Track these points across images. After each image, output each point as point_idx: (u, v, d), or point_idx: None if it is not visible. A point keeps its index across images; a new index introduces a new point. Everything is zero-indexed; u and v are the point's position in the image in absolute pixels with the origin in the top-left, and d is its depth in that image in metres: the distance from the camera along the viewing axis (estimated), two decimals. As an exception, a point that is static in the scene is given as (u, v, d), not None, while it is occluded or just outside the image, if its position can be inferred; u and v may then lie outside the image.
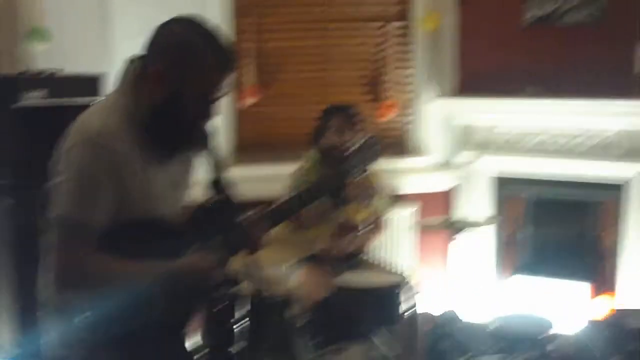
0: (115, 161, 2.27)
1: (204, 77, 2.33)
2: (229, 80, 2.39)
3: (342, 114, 4.65)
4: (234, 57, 2.40)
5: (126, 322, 2.29)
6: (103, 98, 2.48)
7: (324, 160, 4.59)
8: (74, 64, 4.43)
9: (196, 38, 2.32)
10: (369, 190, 4.73)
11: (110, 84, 4.42)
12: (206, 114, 2.40)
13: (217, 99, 2.39)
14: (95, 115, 2.35)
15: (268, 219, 2.63)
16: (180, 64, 2.31)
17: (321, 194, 2.91)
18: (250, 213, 2.57)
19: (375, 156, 2.94)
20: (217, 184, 2.36)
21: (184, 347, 2.64)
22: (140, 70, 2.38)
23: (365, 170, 2.95)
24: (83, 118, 2.36)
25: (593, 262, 5.42)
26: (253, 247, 2.54)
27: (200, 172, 2.51)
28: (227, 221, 2.38)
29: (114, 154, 2.27)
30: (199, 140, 2.41)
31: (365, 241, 4.74)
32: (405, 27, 5.78)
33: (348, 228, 4.67)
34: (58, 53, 4.62)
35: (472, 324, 5.11)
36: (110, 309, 2.27)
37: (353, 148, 2.96)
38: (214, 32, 2.37)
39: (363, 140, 2.97)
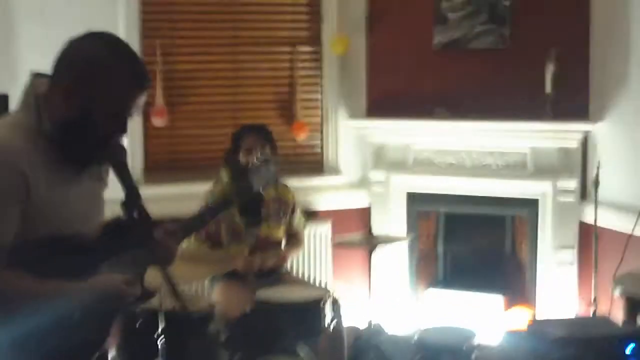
0: (17, 178, 2.16)
1: (116, 95, 2.25)
2: (142, 98, 2.31)
3: (252, 135, 4.68)
4: (147, 75, 2.33)
5: (44, 340, 2.20)
6: (4, 116, 2.37)
7: (236, 180, 4.58)
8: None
9: (108, 54, 2.24)
10: (284, 207, 4.77)
11: (15, 102, 4.34)
12: (118, 130, 2.32)
13: (130, 115, 2.31)
14: None
15: (178, 233, 2.60)
16: (89, 81, 2.22)
17: (223, 208, 3.01)
18: (160, 227, 2.52)
19: (270, 177, 3.08)
20: (129, 199, 2.29)
21: None
22: (48, 87, 2.29)
23: (263, 188, 3.08)
24: None
25: (506, 275, 5.52)
26: (165, 260, 2.47)
27: (113, 188, 2.44)
28: (139, 236, 2.31)
29: (15, 171, 2.16)
30: (110, 155, 2.33)
31: (286, 256, 4.75)
32: (315, 52, 5.83)
33: (268, 244, 4.68)
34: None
35: (397, 336, 5.13)
36: (27, 326, 2.18)
37: (252, 166, 3.12)
38: (127, 48, 2.31)
39: (262, 160, 3.17)
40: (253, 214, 4.67)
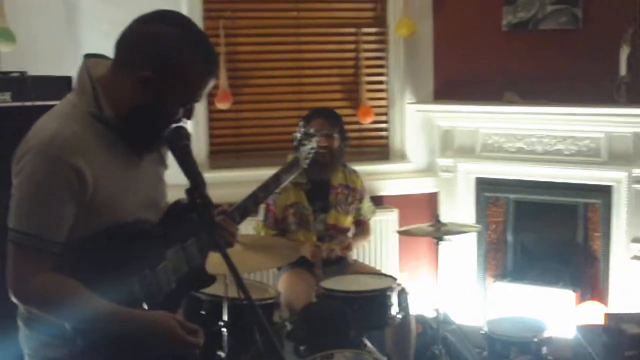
0: (71, 173, 2.11)
1: (192, 83, 2.22)
2: (211, 84, 2.28)
3: (319, 119, 4.59)
4: (217, 60, 2.30)
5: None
6: (61, 101, 2.30)
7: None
8: (39, 66, 4.29)
9: (186, 43, 2.18)
10: (352, 194, 4.71)
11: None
12: (185, 117, 2.29)
13: (198, 101, 2.29)
14: (51, 121, 2.19)
15: (235, 215, 2.64)
16: (170, 71, 2.17)
17: (273, 187, 3.11)
18: (219, 210, 2.53)
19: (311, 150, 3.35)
20: (194, 185, 2.20)
21: None
22: (112, 70, 2.23)
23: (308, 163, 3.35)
24: (38, 124, 2.20)
25: (577, 267, 5.35)
26: (227, 244, 2.44)
27: (175, 172, 2.36)
28: (203, 221, 2.22)
29: (69, 167, 2.10)
30: (173, 140, 2.26)
31: (352, 245, 4.68)
32: (380, 34, 5.70)
33: (336, 231, 4.62)
34: (22, 55, 4.49)
35: (465, 326, 5.02)
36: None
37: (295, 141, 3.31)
38: (201, 33, 2.26)
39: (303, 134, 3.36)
40: (321, 199, 4.62)
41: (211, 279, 2.56)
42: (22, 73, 4.04)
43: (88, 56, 2.29)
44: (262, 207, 4.59)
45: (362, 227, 4.89)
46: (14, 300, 2.15)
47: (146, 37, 2.19)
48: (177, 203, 2.44)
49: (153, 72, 2.16)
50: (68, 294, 2.11)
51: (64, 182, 2.10)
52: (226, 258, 2.16)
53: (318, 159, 4.41)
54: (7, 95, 3.90)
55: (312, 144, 3.37)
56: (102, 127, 2.21)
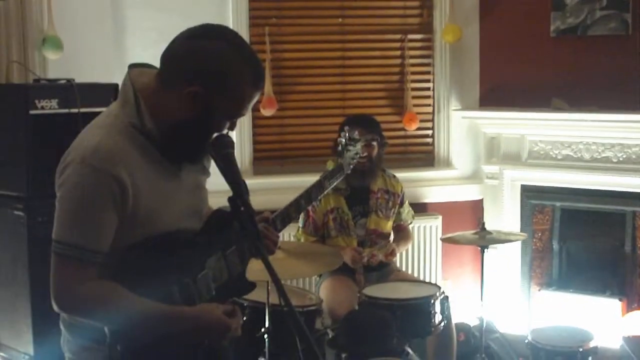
0: (114, 185, 2.12)
1: (240, 99, 2.23)
2: (256, 98, 2.29)
3: (357, 126, 4.54)
4: (263, 75, 2.30)
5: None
6: (104, 112, 2.32)
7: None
8: (86, 74, 4.34)
9: (236, 61, 2.19)
10: (393, 199, 4.70)
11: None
12: (230, 129, 2.31)
13: (244, 115, 2.31)
14: (94, 133, 2.19)
15: (277, 222, 2.62)
16: (220, 87, 2.18)
17: (317, 194, 3.06)
18: (260, 217, 2.53)
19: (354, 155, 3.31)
20: (236, 193, 2.21)
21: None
22: (157, 83, 2.23)
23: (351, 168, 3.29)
24: (81, 136, 2.22)
25: (625, 277, 5.26)
26: (268, 251, 2.41)
27: (219, 178, 2.37)
28: (246, 229, 2.21)
29: (113, 178, 2.11)
30: (216, 148, 2.26)
31: (395, 250, 4.66)
32: (426, 40, 5.69)
33: (377, 236, 4.61)
34: (70, 62, 4.55)
35: (509, 334, 4.98)
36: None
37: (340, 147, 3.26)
38: (249, 48, 2.26)
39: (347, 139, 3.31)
40: (361, 204, 4.63)
41: (251, 286, 2.56)
42: (69, 80, 4.10)
43: (132, 66, 2.30)
44: (302, 217, 4.61)
45: (402, 232, 4.88)
46: (58, 310, 2.17)
47: (194, 52, 2.19)
48: (219, 211, 2.45)
49: (202, 87, 2.17)
50: (115, 297, 2.12)
51: (107, 193, 2.11)
52: (267, 265, 2.16)
53: (358, 167, 4.43)
54: (54, 102, 3.96)
55: (356, 149, 3.35)
56: (142, 139, 2.21)
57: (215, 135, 2.27)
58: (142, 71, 2.29)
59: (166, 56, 2.23)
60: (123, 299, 2.12)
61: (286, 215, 2.72)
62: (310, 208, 4.55)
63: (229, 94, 2.19)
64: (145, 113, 2.21)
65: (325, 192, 3.19)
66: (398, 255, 4.86)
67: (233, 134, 2.35)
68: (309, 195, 2.97)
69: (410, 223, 4.95)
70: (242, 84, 2.20)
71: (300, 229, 4.61)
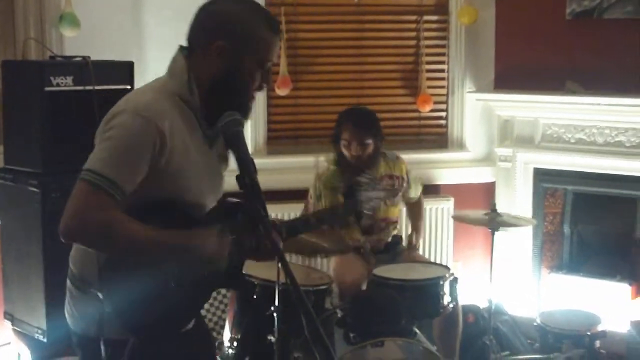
0: (156, 136, 2.26)
1: (262, 45, 2.40)
2: (278, 44, 2.47)
3: (352, 127, 4.54)
4: (277, 21, 2.51)
5: (141, 301, 2.27)
6: (151, 81, 2.49)
7: (340, 167, 4.54)
8: (103, 51, 4.37)
9: (249, 13, 2.42)
10: (398, 182, 4.68)
11: (142, 70, 4.41)
12: (264, 81, 2.47)
13: (271, 63, 2.46)
14: (145, 92, 2.40)
15: (283, 231, 2.60)
16: (240, 35, 2.38)
17: (330, 221, 3.07)
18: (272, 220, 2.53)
19: (377, 199, 3.01)
20: (243, 172, 2.23)
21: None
22: (191, 54, 2.42)
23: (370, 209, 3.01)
24: (132, 93, 2.44)
25: (635, 261, 5.26)
26: (266, 254, 2.41)
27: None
28: (249, 214, 2.29)
29: (156, 129, 2.26)
30: (225, 126, 2.30)
31: (419, 232, 4.74)
32: (442, 21, 5.68)
33: (386, 224, 4.62)
34: (86, 40, 4.57)
35: (518, 317, 5.01)
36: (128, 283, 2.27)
37: (358, 187, 2.97)
38: (260, 6, 2.54)
39: (368, 181, 3.00)
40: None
41: (242, 283, 2.62)
42: (85, 58, 4.12)
43: (182, 48, 2.45)
44: (303, 210, 4.64)
45: (415, 208, 4.88)
46: (64, 235, 2.20)
47: (214, 14, 2.42)
48: (227, 200, 2.51)
49: (225, 41, 2.37)
50: (132, 225, 2.22)
51: (149, 142, 2.26)
52: (274, 244, 2.20)
53: (351, 164, 4.44)
54: (69, 80, 3.99)
55: (377, 194, 3.04)
56: (187, 109, 2.38)
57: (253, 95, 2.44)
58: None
59: (191, 29, 2.45)
60: (133, 222, 2.22)
61: (293, 227, 2.72)
62: (310, 207, 4.57)
63: (250, 42, 2.39)
64: (194, 87, 2.39)
65: (336, 222, 3.10)
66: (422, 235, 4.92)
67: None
68: (322, 217, 2.97)
69: (419, 195, 4.90)
70: (260, 31, 2.40)
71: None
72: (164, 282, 2.31)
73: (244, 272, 2.55)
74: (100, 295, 2.28)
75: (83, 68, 4.06)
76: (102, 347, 2.37)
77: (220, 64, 2.38)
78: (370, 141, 4.51)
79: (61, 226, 2.18)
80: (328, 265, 4.69)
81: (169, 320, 2.38)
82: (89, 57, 4.14)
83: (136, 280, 2.27)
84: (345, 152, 4.52)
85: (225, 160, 2.57)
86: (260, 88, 2.46)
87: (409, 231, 4.95)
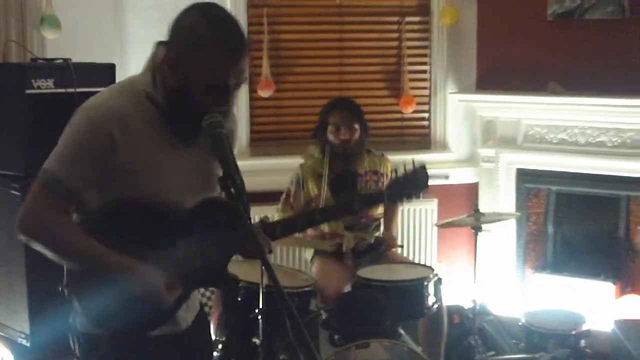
0: (103, 137, 2.25)
1: (210, 67, 2.25)
2: (240, 69, 2.29)
3: (340, 111, 4.58)
4: (242, 45, 2.29)
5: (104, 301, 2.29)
6: (125, 79, 2.48)
7: (327, 156, 4.53)
8: (85, 53, 4.34)
9: (204, 26, 2.26)
10: (381, 179, 4.66)
11: (124, 73, 4.38)
12: (217, 103, 2.30)
13: (231, 88, 2.30)
14: (106, 91, 2.41)
15: (277, 229, 2.58)
16: (187, 54, 2.26)
17: (340, 214, 2.99)
18: (258, 221, 2.53)
19: (418, 188, 2.90)
20: (226, 174, 2.21)
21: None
22: (162, 55, 2.35)
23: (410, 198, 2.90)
24: (99, 93, 2.40)
25: (618, 261, 5.27)
26: (254, 252, 2.36)
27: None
28: (232, 220, 2.28)
29: (103, 131, 2.26)
30: (208, 127, 2.27)
31: (395, 240, 4.67)
32: (424, 22, 5.69)
33: (367, 221, 4.61)
34: (68, 42, 4.55)
35: (502, 317, 5.01)
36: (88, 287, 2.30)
37: (396, 174, 2.90)
38: (226, 18, 2.31)
39: (409, 168, 2.90)
40: (347, 190, 4.56)
41: (229, 282, 2.59)
42: (66, 60, 4.08)
43: (160, 43, 2.40)
44: (282, 197, 4.63)
45: (390, 208, 4.81)
46: (19, 234, 2.29)
47: (175, 24, 2.33)
48: (213, 198, 2.49)
49: (175, 55, 2.29)
50: (68, 230, 2.29)
51: (97, 141, 2.26)
52: (258, 247, 2.19)
53: (339, 150, 4.44)
54: (50, 82, 3.95)
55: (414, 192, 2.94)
56: (153, 108, 2.34)
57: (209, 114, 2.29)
58: (162, 49, 2.39)
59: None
60: (74, 233, 2.28)
61: (291, 226, 2.67)
62: (290, 193, 4.57)
63: (197, 61, 2.25)
64: (159, 84, 2.35)
65: (343, 217, 2.99)
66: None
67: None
68: (328, 213, 2.89)
69: None
70: (212, 52, 2.24)
71: (278, 212, 4.62)
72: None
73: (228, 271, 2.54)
74: (67, 291, 2.34)
75: (64, 70, 4.02)
76: (71, 340, 2.42)
77: (172, 76, 2.30)
78: (357, 126, 4.54)
79: (17, 223, 2.27)
80: (311, 268, 4.66)
81: (140, 319, 2.34)
82: (70, 59, 4.10)
83: (102, 280, 2.27)
84: (332, 138, 4.51)
85: (212, 158, 2.45)
86: (214, 109, 2.29)
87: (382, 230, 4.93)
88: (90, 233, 2.27)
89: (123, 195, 2.30)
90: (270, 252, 2.46)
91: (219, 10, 2.32)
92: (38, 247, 2.29)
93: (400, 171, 2.90)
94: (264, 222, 2.54)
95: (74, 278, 2.33)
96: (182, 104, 2.30)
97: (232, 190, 2.18)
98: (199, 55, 2.24)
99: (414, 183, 2.88)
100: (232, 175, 2.19)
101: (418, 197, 2.91)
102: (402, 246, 4.82)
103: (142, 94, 2.34)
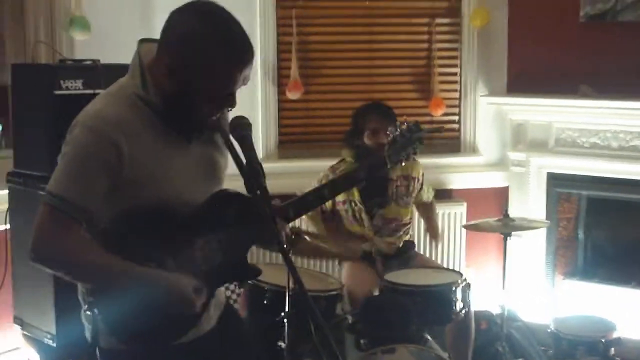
0: (109, 147, 2.17)
1: (215, 80, 2.20)
2: (245, 75, 2.24)
3: (377, 115, 4.53)
4: (245, 51, 2.22)
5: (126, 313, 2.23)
6: (117, 81, 2.38)
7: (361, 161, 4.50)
8: (114, 55, 4.34)
9: (201, 33, 2.17)
10: (413, 184, 4.63)
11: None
12: (219, 109, 2.29)
13: (232, 93, 2.25)
14: (98, 100, 2.30)
15: (289, 210, 2.57)
16: (185, 63, 2.18)
17: (347, 185, 2.96)
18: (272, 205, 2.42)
19: (414, 142, 2.99)
20: (250, 175, 2.19)
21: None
22: (155, 55, 2.26)
23: (406, 158, 3.00)
24: (89, 104, 2.30)
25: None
26: (273, 243, 2.33)
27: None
28: (256, 214, 2.21)
29: (108, 141, 2.17)
30: (232, 129, 2.27)
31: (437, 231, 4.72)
32: (454, 24, 5.65)
33: (397, 225, 4.58)
34: (97, 43, 4.56)
35: (531, 323, 4.95)
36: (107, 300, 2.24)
37: (392, 136, 3.01)
38: (225, 23, 2.22)
39: (403, 128, 3.02)
40: (378, 195, 4.55)
41: (253, 272, 2.58)
42: (94, 61, 4.11)
43: (143, 41, 2.35)
44: None
45: (427, 208, 4.84)
46: (33, 260, 2.21)
47: (172, 26, 2.23)
48: (223, 190, 2.45)
49: (170, 62, 2.20)
50: (84, 251, 2.19)
51: (102, 157, 2.18)
52: (283, 251, 2.16)
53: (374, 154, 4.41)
54: (78, 83, 3.97)
55: (413, 147, 3.03)
56: (147, 109, 2.26)
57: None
58: (151, 46, 2.31)
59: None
60: (91, 253, 2.19)
61: (302, 204, 2.66)
62: None
63: (198, 74, 2.19)
64: (150, 85, 2.26)
65: (355, 185, 3.01)
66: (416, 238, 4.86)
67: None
68: (335, 185, 2.88)
69: (431, 200, 4.87)
70: (215, 61, 2.18)
71: (307, 215, 4.58)
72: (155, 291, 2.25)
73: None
74: (90, 305, 2.28)
75: (93, 71, 4.04)
76: (98, 356, 2.34)
77: (167, 82, 2.22)
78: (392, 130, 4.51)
79: (30, 251, 2.19)
80: (340, 272, 4.64)
81: (164, 329, 2.31)
82: (98, 60, 4.13)
83: (126, 292, 2.21)
84: (369, 142, 4.46)
85: (216, 146, 2.45)
86: (220, 111, 2.30)
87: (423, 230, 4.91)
88: (105, 247, 2.20)
89: (134, 203, 2.24)
90: (290, 245, 2.47)
91: (216, 11, 2.23)
92: (58, 274, 2.25)
93: (395, 133, 3.01)
94: (274, 206, 2.45)
95: (96, 290, 2.28)
96: (181, 107, 2.25)
97: (258, 193, 2.16)
98: (205, 67, 2.18)
99: (410, 140, 2.99)
100: (258, 178, 2.17)
101: (415, 153, 3.02)
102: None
103: (133, 96, 2.26)
